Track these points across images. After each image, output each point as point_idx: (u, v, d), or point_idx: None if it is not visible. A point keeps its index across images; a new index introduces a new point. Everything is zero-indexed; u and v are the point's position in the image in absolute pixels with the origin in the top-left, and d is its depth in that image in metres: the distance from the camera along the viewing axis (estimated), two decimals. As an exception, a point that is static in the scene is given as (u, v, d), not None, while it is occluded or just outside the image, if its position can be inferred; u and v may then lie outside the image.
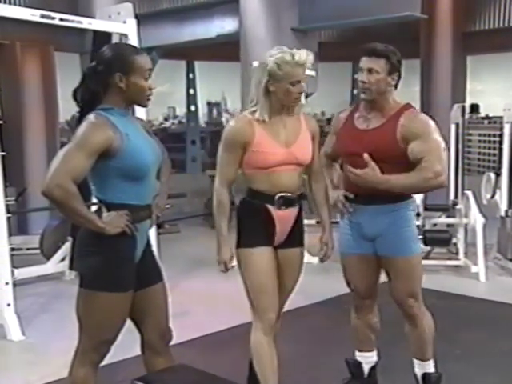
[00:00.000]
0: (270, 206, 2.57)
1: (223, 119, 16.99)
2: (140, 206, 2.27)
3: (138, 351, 3.55)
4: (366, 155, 2.59)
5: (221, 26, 9.86)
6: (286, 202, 2.58)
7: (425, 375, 2.89)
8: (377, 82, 2.64)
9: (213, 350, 3.68)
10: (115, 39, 5.01)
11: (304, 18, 7.44)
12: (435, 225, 6.34)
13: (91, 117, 2.17)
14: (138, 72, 2.20)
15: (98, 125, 2.14)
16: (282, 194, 2.57)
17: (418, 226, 5.61)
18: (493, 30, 8.85)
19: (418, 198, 5.76)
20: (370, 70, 2.64)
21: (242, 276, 2.63)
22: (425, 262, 5.80)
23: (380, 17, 7.02)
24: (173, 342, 3.49)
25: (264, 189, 2.58)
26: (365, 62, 2.66)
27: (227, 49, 9.34)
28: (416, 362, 2.91)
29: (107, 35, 4.90)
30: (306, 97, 6.16)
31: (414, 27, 8.98)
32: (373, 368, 3.04)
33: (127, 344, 3.73)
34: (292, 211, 2.62)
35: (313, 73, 6.00)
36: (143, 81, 2.22)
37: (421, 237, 5.60)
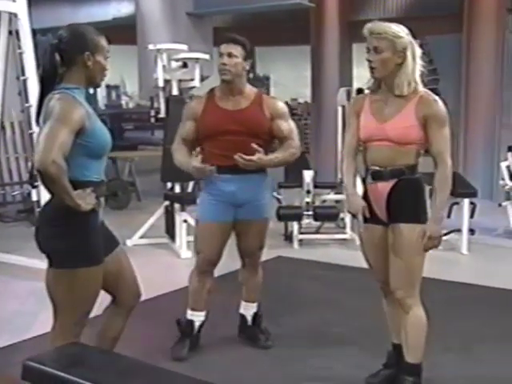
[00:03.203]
0: (367, 180, 2.71)
1: (122, 102, 16.74)
2: (101, 182, 2.35)
3: (32, 333, 3.63)
4: (254, 145, 2.97)
5: (117, 8, 9.78)
6: (375, 176, 2.65)
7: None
8: (235, 65, 3.06)
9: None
10: (4, 18, 4.91)
11: (199, 2, 7.52)
12: (324, 201, 6.64)
13: (58, 96, 2.20)
14: (102, 52, 2.32)
15: (72, 102, 2.20)
16: (372, 168, 2.66)
17: (308, 202, 6.00)
18: (375, 20, 9.35)
19: (308, 176, 6.10)
20: (229, 54, 3.06)
21: None
22: (315, 236, 6.24)
23: (271, 3, 7.26)
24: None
25: (367, 162, 2.69)
26: (225, 48, 3.07)
27: (125, 32, 9.29)
28: (244, 304, 3.46)
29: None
30: (202, 80, 6.32)
31: (305, 15, 9.31)
32: (201, 326, 3.37)
33: (22, 326, 3.81)
34: (382, 185, 2.64)
35: (207, 56, 6.20)
36: (104, 60, 2.34)
37: (311, 213, 5.95)
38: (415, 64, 2.57)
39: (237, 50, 3.08)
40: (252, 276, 3.41)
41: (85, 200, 2.21)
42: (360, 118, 2.69)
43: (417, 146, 2.61)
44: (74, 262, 2.25)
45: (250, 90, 3.20)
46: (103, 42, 2.35)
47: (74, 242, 2.25)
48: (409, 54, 2.54)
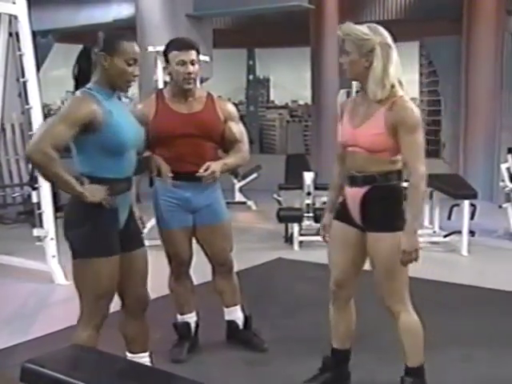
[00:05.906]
0: (346, 184, 2.66)
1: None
2: (119, 180, 2.45)
3: (32, 335, 3.64)
4: (203, 166, 2.95)
5: (118, 10, 9.77)
6: (350, 181, 2.62)
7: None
8: (197, 72, 3.03)
9: (110, 330, 3.79)
10: (4, 20, 4.94)
11: (199, 4, 7.53)
12: (325, 203, 6.66)
13: (77, 92, 2.40)
14: (122, 55, 2.39)
15: (83, 99, 2.35)
16: (348, 173, 2.62)
17: (308, 204, 6.00)
18: (375, 22, 9.38)
19: (309, 177, 6.10)
20: (192, 62, 2.99)
21: None
22: (316, 238, 6.20)
23: (270, 5, 7.27)
24: (69, 324, 3.59)
25: (346, 167, 2.64)
26: (187, 55, 2.99)
27: (125, 33, 9.26)
28: (227, 310, 3.42)
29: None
30: (201, 82, 6.33)
31: (305, 16, 9.31)
32: (197, 326, 3.40)
33: (22, 328, 3.83)
34: (356, 191, 2.59)
35: (207, 58, 6.21)
36: (125, 65, 2.40)
37: (312, 214, 5.95)
38: (388, 67, 2.43)
39: (196, 56, 3.03)
40: (228, 281, 3.36)
41: (90, 192, 2.34)
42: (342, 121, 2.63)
43: (389, 154, 2.51)
44: (86, 252, 2.41)
45: (200, 91, 3.17)
46: (126, 46, 2.40)
47: (86, 234, 2.41)
48: (376, 57, 2.42)
